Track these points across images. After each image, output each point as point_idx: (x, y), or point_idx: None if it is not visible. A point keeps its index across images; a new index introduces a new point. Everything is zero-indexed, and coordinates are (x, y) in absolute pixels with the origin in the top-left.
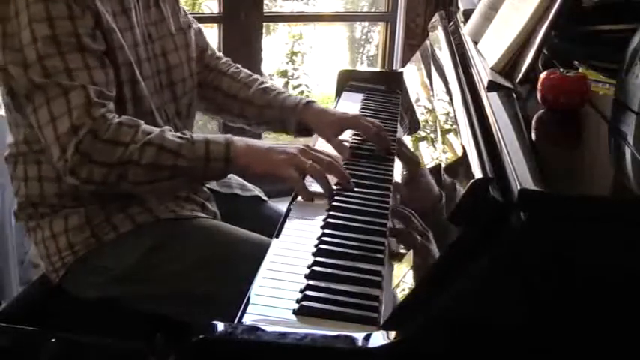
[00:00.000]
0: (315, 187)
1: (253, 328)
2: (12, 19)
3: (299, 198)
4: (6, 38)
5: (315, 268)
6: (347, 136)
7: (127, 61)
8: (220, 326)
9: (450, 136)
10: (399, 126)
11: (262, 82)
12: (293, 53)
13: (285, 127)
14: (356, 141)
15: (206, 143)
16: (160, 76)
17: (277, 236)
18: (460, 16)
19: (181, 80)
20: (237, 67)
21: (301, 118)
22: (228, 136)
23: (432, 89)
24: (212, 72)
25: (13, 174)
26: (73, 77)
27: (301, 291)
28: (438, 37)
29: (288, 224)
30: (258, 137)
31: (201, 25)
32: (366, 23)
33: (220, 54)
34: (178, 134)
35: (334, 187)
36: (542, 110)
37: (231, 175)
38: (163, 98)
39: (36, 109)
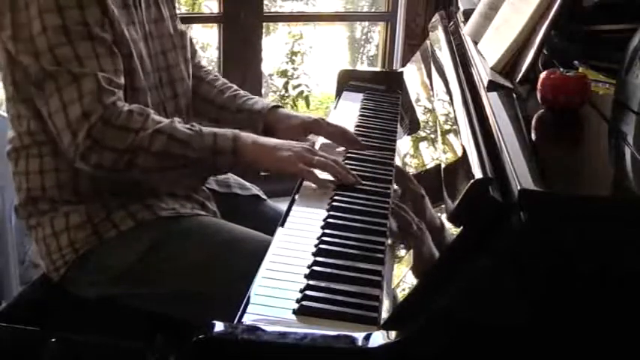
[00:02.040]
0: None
1: (253, 328)
2: (22, 10)
3: (297, 196)
4: (16, 28)
5: (315, 268)
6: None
7: (129, 53)
8: (220, 326)
9: (450, 136)
10: (399, 126)
11: (235, 90)
12: (293, 53)
13: (253, 132)
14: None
15: (214, 136)
16: (161, 72)
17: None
18: (460, 16)
19: (180, 79)
20: (216, 75)
21: (267, 121)
22: (236, 131)
23: (432, 89)
24: (193, 79)
25: (14, 169)
26: (83, 65)
27: (301, 291)
28: (438, 37)
29: (288, 223)
30: None
31: (200, 25)
32: (366, 23)
33: (203, 62)
34: (188, 126)
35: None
36: (542, 110)
37: (230, 175)
38: (164, 95)
39: (47, 97)
